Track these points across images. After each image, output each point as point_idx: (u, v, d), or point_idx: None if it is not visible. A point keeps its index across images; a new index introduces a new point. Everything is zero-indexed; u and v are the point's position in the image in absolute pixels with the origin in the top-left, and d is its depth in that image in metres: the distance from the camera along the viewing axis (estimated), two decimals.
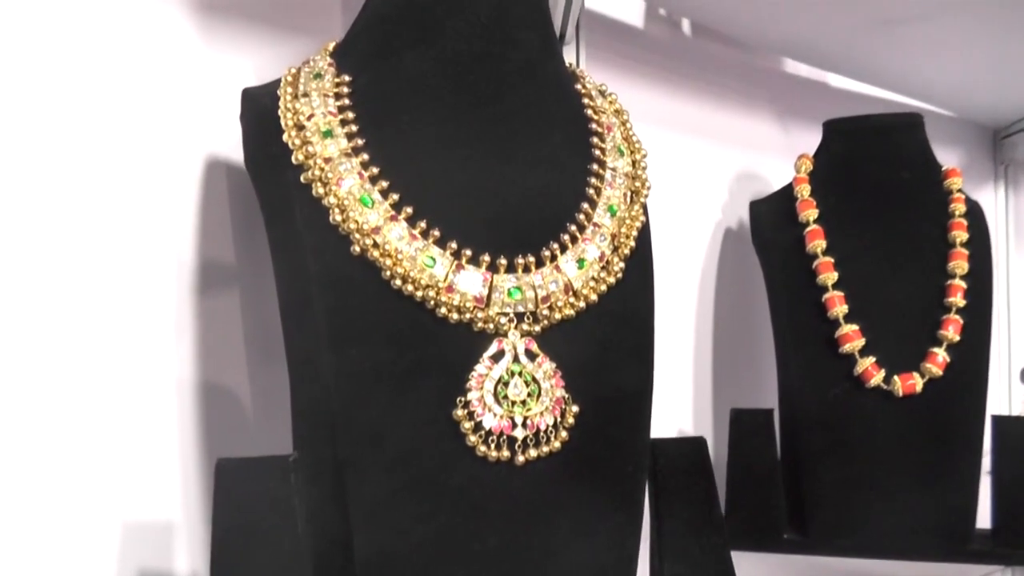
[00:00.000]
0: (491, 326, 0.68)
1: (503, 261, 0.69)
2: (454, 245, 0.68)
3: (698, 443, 0.83)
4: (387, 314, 0.66)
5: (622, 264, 0.74)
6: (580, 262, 0.72)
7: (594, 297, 0.72)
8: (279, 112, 0.71)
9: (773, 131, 1.50)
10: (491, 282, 0.68)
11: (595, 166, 0.77)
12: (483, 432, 0.67)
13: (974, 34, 1.33)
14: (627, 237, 0.75)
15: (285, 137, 0.69)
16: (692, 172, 1.38)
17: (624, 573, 0.75)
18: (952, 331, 1.09)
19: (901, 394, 1.08)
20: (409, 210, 0.68)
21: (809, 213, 1.15)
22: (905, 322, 1.12)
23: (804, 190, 1.18)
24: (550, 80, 0.78)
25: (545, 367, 0.69)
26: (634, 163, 0.80)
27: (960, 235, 1.14)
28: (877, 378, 1.08)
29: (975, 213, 1.18)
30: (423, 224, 0.68)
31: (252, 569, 0.62)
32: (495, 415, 0.67)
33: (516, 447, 0.67)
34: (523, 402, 0.68)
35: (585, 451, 0.71)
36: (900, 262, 1.14)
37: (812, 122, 1.29)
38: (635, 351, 0.75)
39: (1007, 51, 1.40)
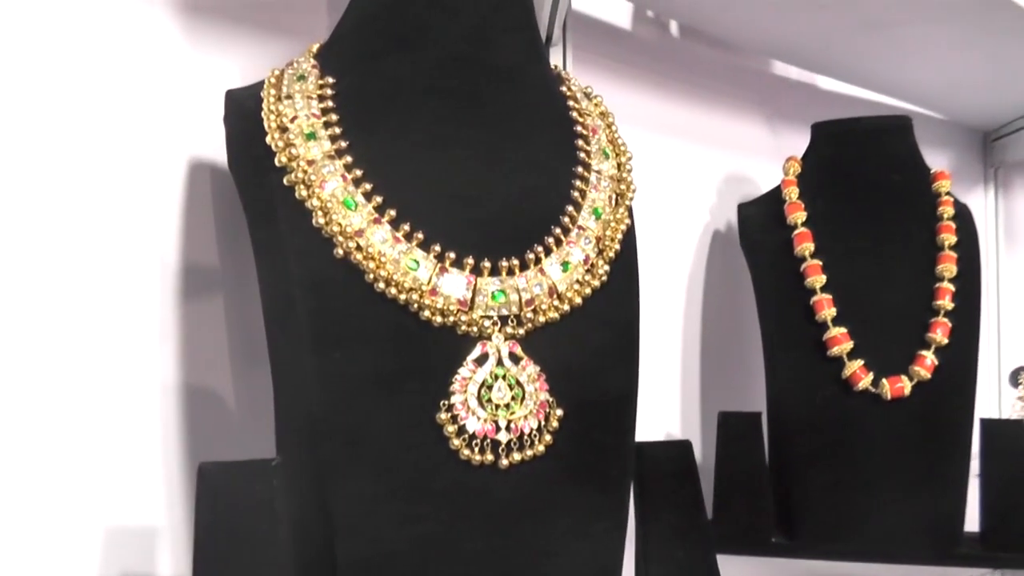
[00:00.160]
0: (475, 329, 0.68)
1: (487, 264, 0.68)
2: (438, 248, 0.67)
3: (684, 447, 0.83)
4: (370, 317, 0.66)
5: (607, 267, 0.74)
6: (564, 265, 0.71)
7: (578, 300, 0.71)
8: (262, 114, 0.70)
9: (761, 133, 1.50)
10: (475, 285, 0.68)
11: (580, 168, 0.76)
12: (467, 436, 0.66)
13: (964, 37, 1.33)
14: (612, 240, 0.75)
15: (268, 139, 0.69)
16: (680, 174, 1.38)
17: None
18: (940, 334, 1.09)
19: (889, 397, 1.08)
20: (393, 213, 0.67)
21: (797, 216, 1.15)
22: (893, 325, 1.11)
23: (792, 192, 1.17)
24: (535, 83, 0.78)
25: (529, 370, 0.69)
26: (619, 166, 0.79)
27: (948, 238, 1.14)
28: (865, 381, 1.08)
29: (964, 216, 1.18)
30: (407, 227, 0.67)
31: (234, 574, 0.62)
32: (479, 419, 0.66)
33: (500, 451, 0.67)
34: (507, 406, 0.67)
35: (569, 455, 0.71)
36: (888, 265, 1.14)
37: (800, 124, 1.29)
38: (620, 354, 0.75)
39: (997, 53, 1.40)
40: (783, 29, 1.30)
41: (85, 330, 0.79)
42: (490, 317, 0.68)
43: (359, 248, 0.66)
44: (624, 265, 0.76)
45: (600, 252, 0.74)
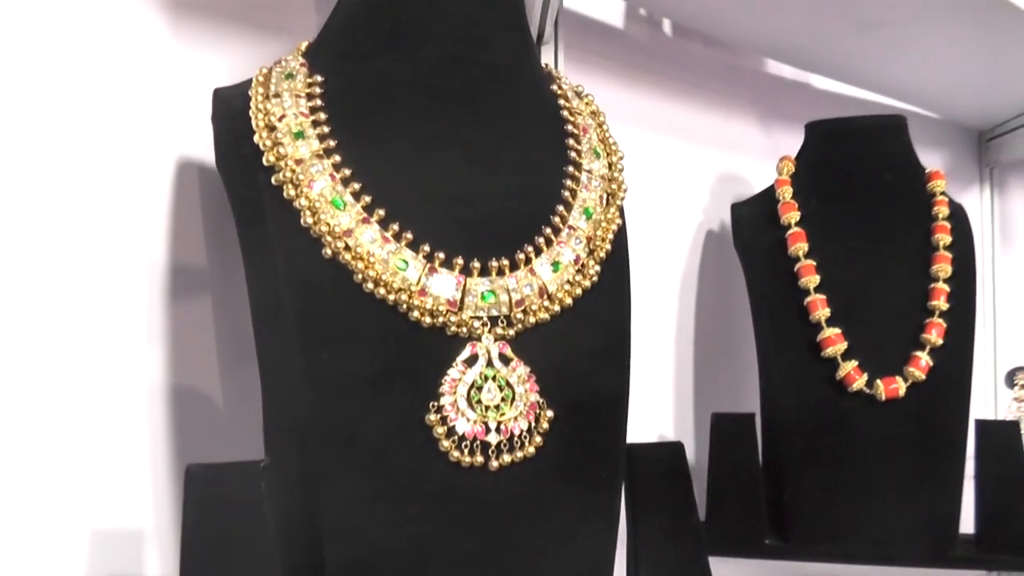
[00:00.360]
0: (464, 330, 0.67)
1: (477, 264, 0.68)
2: (427, 248, 0.67)
3: (675, 448, 0.82)
4: (359, 318, 0.66)
5: (598, 267, 0.73)
6: (555, 265, 0.71)
7: (569, 301, 0.71)
8: (250, 113, 0.70)
9: (755, 133, 1.50)
10: (464, 285, 0.67)
11: (571, 168, 0.76)
12: (456, 437, 0.66)
13: (960, 36, 1.33)
14: (603, 240, 0.74)
15: (256, 138, 0.68)
16: (673, 174, 1.37)
17: None
18: (935, 335, 1.09)
19: (884, 398, 1.07)
20: (382, 212, 0.67)
21: (791, 216, 1.14)
22: (888, 326, 1.11)
23: (786, 192, 1.17)
24: (525, 82, 0.78)
25: (519, 372, 0.68)
26: (610, 165, 0.79)
27: (943, 238, 1.14)
28: (860, 382, 1.07)
29: (958, 216, 1.17)
30: (396, 226, 0.67)
31: None
32: (468, 420, 0.66)
33: (490, 452, 0.67)
34: (497, 407, 0.67)
35: (560, 456, 0.70)
36: (883, 265, 1.14)
37: (794, 124, 1.29)
38: (611, 355, 0.74)
39: (993, 52, 1.40)
40: (777, 27, 1.29)
41: (72, 330, 0.78)
42: (480, 318, 0.68)
43: (347, 248, 0.65)
44: (615, 265, 0.76)
45: (591, 252, 0.73)
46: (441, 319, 0.66)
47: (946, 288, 1.11)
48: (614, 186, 0.78)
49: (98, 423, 0.80)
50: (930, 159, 1.28)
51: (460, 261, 0.67)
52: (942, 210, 1.16)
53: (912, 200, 1.18)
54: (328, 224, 0.65)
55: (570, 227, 0.73)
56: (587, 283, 0.72)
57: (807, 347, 1.11)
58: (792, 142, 1.25)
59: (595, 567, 0.74)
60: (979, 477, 1.12)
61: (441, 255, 0.67)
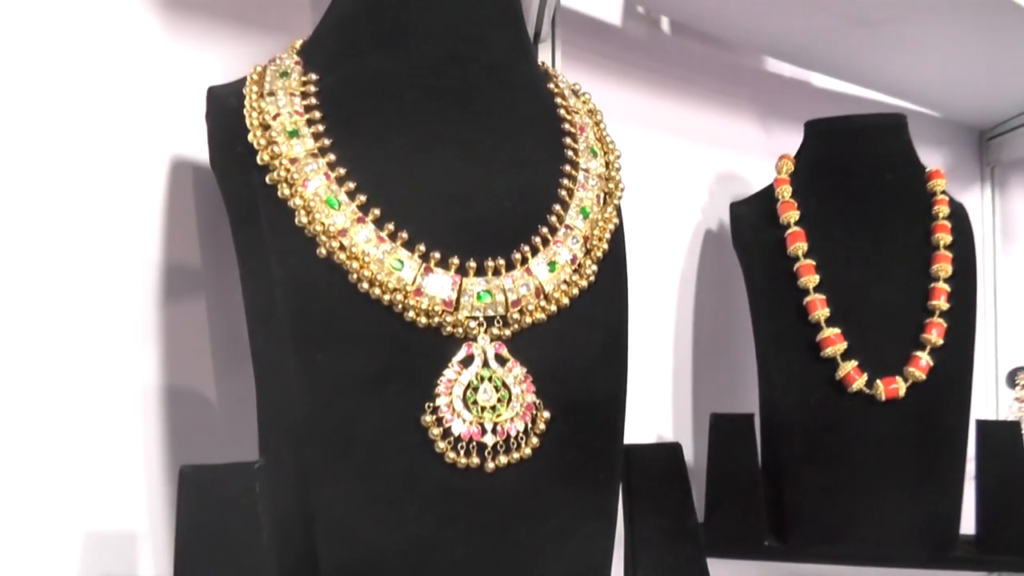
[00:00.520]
0: (460, 330, 0.67)
1: (472, 264, 0.68)
2: (423, 247, 0.66)
3: (673, 449, 0.82)
4: (354, 318, 0.65)
5: (594, 267, 0.73)
6: (551, 265, 0.70)
7: (566, 301, 0.71)
8: (244, 111, 0.70)
9: (754, 131, 1.49)
10: (460, 285, 0.67)
11: (567, 167, 0.76)
12: (452, 438, 0.65)
13: (960, 34, 1.33)
14: (600, 239, 0.74)
15: (250, 137, 0.68)
16: (672, 173, 1.37)
17: None
18: (935, 335, 1.08)
19: (884, 398, 1.07)
20: (377, 212, 0.66)
21: (790, 215, 1.14)
22: (888, 325, 1.11)
23: (785, 191, 1.17)
24: (522, 80, 0.77)
25: (515, 372, 0.68)
26: (608, 164, 0.79)
27: (944, 237, 1.13)
28: (859, 382, 1.07)
29: (959, 215, 1.17)
30: (391, 226, 0.66)
31: None
32: (464, 421, 0.66)
33: (486, 454, 0.66)
34: (493, 408, 0.67)
35: (557, 458, 0.70)
36: (883, 265, 1.13)
37: (794, 122, 1.28)
38: (608, 356, 0.74)
39: (993, 51, 1.39)
40: (776, 25, 1.29)
41: (65, 330, 0.78)
42: (476, 318, 0.67)
43: (342, 248, 0.65)
44: (612, 265, 0.75)
45: (588, 252, 0.73)
46: (437, 319, 0.66)
47: (946, 288, 1.11)
48: (611, 185, 0.77)
49: (92, 424, 0.79)
50: (930, 158, 1.28)
51: (456, 261, 0.67)
52: (942, 209, 1.16)
53: (912, 199, 1.18)
54: (323, 224, 0.65)
55: (567, 226, 0.73)
56: (584, 283, 0.72)
57: (806, 347, 1.10)
58: (791, 141, 1.25)
59: (593, 568, 0.73)
60: (979, 478, 1.11)
61: (437, 255, 0.66)
